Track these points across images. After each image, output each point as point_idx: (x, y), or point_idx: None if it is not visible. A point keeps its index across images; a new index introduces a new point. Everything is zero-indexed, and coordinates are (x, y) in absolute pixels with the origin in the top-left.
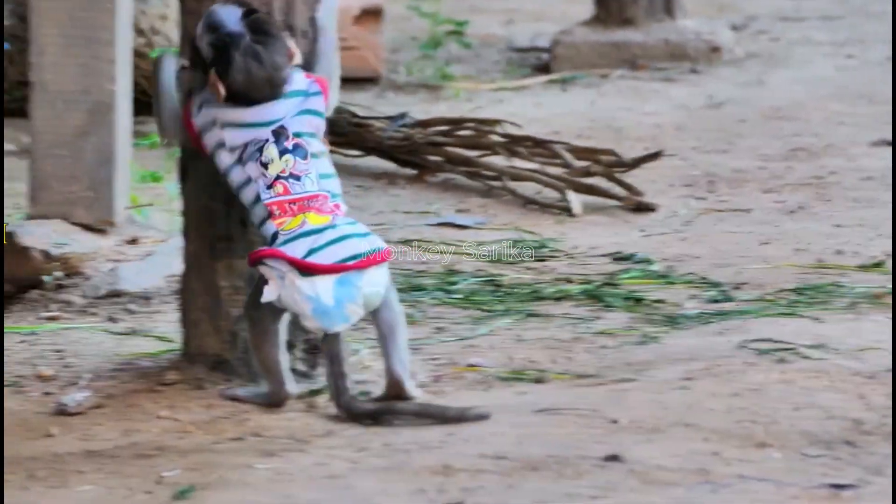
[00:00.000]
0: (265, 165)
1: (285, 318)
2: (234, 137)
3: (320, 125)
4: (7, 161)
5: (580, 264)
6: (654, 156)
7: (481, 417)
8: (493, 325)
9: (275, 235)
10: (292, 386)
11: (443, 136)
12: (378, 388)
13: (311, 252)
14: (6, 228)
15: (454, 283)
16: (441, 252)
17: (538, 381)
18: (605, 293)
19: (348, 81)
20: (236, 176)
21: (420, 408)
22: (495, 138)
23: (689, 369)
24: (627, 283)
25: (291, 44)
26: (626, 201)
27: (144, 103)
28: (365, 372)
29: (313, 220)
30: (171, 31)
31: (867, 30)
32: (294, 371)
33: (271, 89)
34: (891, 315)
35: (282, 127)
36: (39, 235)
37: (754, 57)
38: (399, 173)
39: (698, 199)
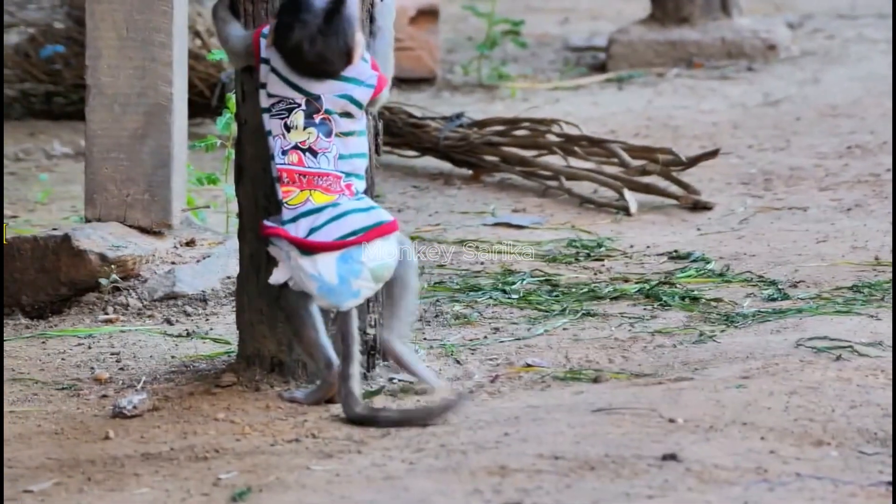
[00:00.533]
0: (287, 129)
1: (314, 299)
2: (274, 86)
3: (356, 111)
4: (63, 164)
5: (637, 263)
6: (711, 154)
7: (460, 401)
8: (549, 325)
9: (280, 204)
10: (337, 363)
11: (499, 136)
12: (427, 393)
13: (312, 231)
14: (64, 231)
15: (511, 283)
16: (498, 252)
17: (595, 380)
18: (661, 292)
19: (404, 82)
20: (265, 122)
21: (402, 416)
22: (551, 138)
23: (746, 368)
24: (684, 281)
25: (358, 48)
26: (683, 200)
27: (200, 105)
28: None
29: (318, 198)
30: None
31: None
32: None
33: (314, 74)
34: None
35: (318, 99)
36: (96, 238)
37: (810, 55)
38: (455, 173)
39: (755, 198)
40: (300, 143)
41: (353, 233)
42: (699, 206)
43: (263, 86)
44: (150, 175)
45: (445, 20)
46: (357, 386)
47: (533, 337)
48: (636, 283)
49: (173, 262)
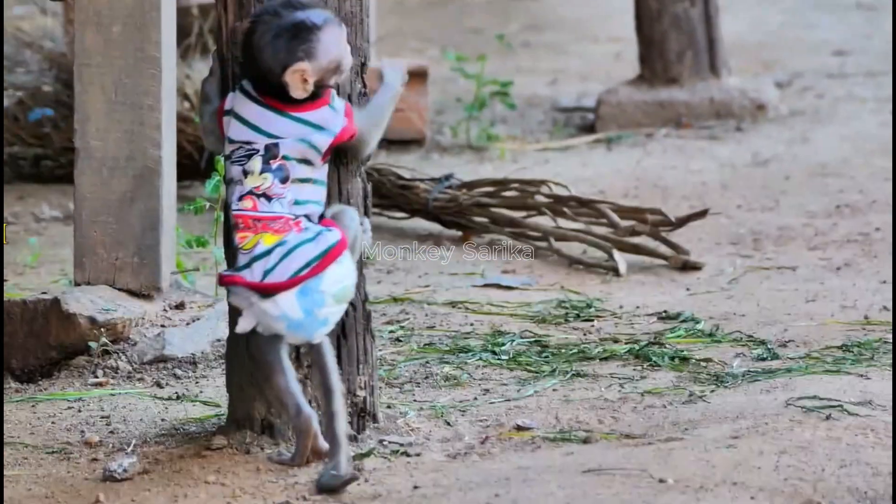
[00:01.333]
0: (245, 174)
1: (283, 345)
2: (235, 131)
3: (314, 158)
4: (53, 227)
5: (626, 324)
6: (700, 214)
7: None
8: (539, 386)
9: (235, 250)
10: (308, 409)
11: (488, 198)
12: (425, 450)
13: (266, 273)
14: (53, 294)
15: (501, 345)
16: (487, 313)
17: (585, 441)
18: (651, 352)
19: (393, 143)
20: (226, 170)
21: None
22: (540, 199)
23: (736, 428)
24: (674, 341)
25: (301, 69)
26: (673, 260)
27: (189, 168)
28: (412, 434)
29: (267, 240)
30: None
31: None
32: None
33: (268, 85)
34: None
35: (275, 145)
36: (85, 302)
37: (799, 114)
38: (444, 235)
39: (744, 257)
40: (255, 188)
41: (307, 265)
42: (688, 267)
43: (227, 135)
44: (140, 238)
45: (434, 81)
46: (342, 427)
47: (523, 398)
48: (626, 343)
49: (163, 325)
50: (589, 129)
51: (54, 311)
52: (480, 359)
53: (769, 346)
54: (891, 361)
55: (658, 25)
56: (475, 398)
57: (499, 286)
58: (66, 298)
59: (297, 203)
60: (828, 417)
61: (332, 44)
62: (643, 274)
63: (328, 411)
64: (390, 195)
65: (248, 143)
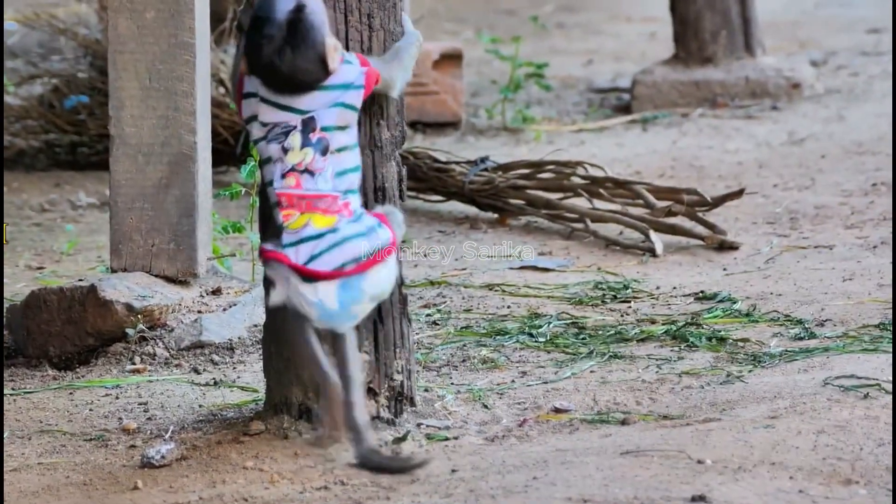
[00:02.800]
0: (285, 151)
1: (309, 325)
2: (267, 114)
3: (352, 118)
4: (89, 214)
5: (663, 305)
6: (737, 194)
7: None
8: (577, 368)
9: (280, 228)
10: (335, 378)
11: (524, 180)
12: (463, 433)
13: (312, 258)
14: (90, 281)
15: (538, 327)
16: (524, 295)
17: (623, 422)
18: (688, 333)
19: (429, 126)
20: (261, 151)
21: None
22: (576, 180)
23: (774, 407)
24: (711, 322)
25: (332, 52)
26: (709, 240)
27: (225, 153)
28: (449, 417)
29: (318, 221)
30: None
31: None
32: (378, 418)
33: (294, 87)
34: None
35: (311, 118)
36: (122, 288)
37: (835, 92)
38: (481, 217)
39: (781, 237)
40: (297, 164)
41: (354, 260)
42: (725, 247)
43: (253, 118)
44: (176, 224)
45: (469, 64)
46: (362, 416)
47: (560, 380)
48: (663, 324)
49: (199, 311)
50: (624, 109)
51: (91, 298)
52: (517, 341)
53: (806, 326)
54: None
55: (692, 5)
56: (512, 381)
57: (535, 268)
58: (102, 285)
59: (337, 175)
60: (865, 396)
61: (318, 6)
62: (680, 254)
63: (347, 401)
64: (426, 178)
65: (282, 122)
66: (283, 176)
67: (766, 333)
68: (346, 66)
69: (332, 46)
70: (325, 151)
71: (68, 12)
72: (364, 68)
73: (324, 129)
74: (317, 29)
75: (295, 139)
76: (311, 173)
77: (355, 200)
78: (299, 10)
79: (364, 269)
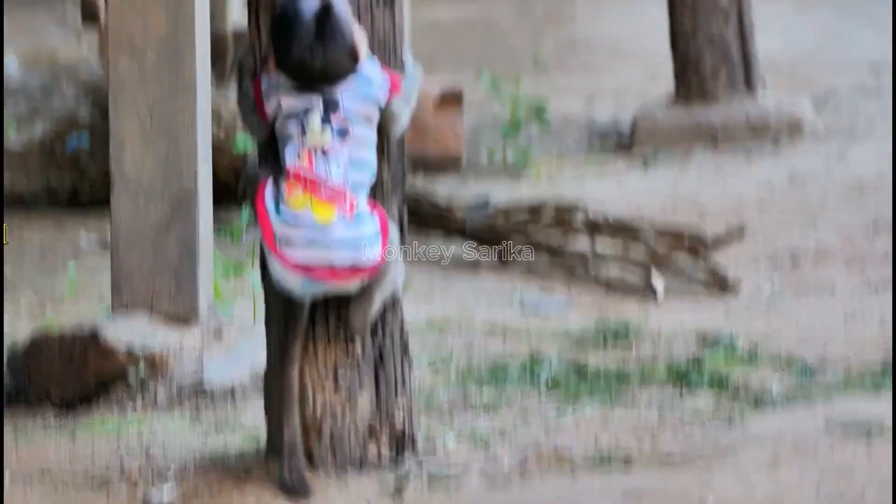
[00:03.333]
0: (304, 131)
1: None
2: (291, 102)
3: (373, 115)
4: (90, 255)
5: (665, 346)
6: (737, 234)
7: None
8: (578, 409)
9: (281, 196)
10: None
11: (525, 220)
12: (464, 476)
13: (289, 244)
14: (91, 324)
15: (539, 369)
16: (525, 337)
17: (625, 463)
18: (690, 374)
19: (430, 165)
20: (282, 130)
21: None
22: (577, 221)
23: (776, 449)
24: (713, 363)
25: (361, 42)
26: (710, 281)
27: (226, 193)
28: (451, 459)
29: (316, 209)
30: None
31: None
32: (379, 459)
33: (326, 79)
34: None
35: (335, 101)
36: (123, 330)
37: (835, 131)
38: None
39: (782, 277)
40: (314, 144)
41: (329, 266)
42: (726, 287)
43: (279, 109)
44: (176, 265)
45: (470, 103)
46: (293, 404)
47: (562, 420)
48: (664, 365)
49: (201, 353)
50: (625, 148)
51: (92, 341)
52: (519, 384)
53: (808, 366)
54: None
55: (693, 43)
56: (514, 423)
57: (536, 310)
58: (103, 328)
59: (352, 165)
60: (868, 436)
61: (341, 3)
62: (681, 295)
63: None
64: (428, 219)
65: (305, 105)
66: (299, 155)
67: (767, 374)
68: (369, 63)
69: (360, 35)
70: (343, 135)
71: (69, 52)
72: (385, 72)
73: (346, 115)
74: (344, 22)
75: (315, 119)
76: (326, 154)
77: (362, 200)
78: (326, 7)
79: (333, 279)
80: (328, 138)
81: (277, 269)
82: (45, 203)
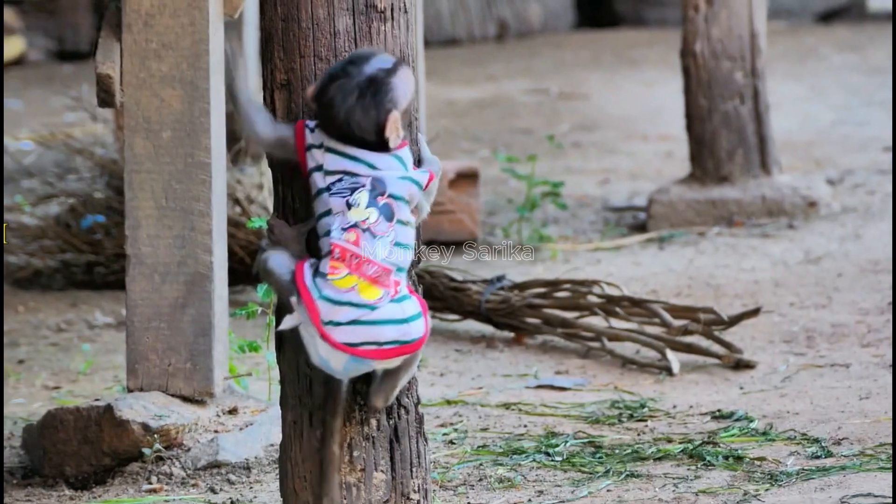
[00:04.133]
0: (349, 206)
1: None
2: (332, 163)
3: (415, 196)
4: (105, 333)
5: (680, 423)
6: (753, 313)
7: None
8: (593, 487)
9: (322, 275)
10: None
11: (540, 298)
12: None
13: (337, 324)
14: (106, 401)
15: (554, 445)
16: (541, 414)
17: None
18: (705, 452)
19: (445, 245)
20: (321, 203)
21: None
22: (593, 299)
23: None
24: (728, 441)
25: (392, 125)
26: (726, 359)
27: (241, 273)
28: None
29: (363, 291)
30: (267, 200)
31: None
32: None
33: (351, 140)
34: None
35: (381, 181)
36: (138, 408)
37: (851, 211)
38: (497, 336)
39: (797, 355)
40: (360, 222)
41: (377, 344)
42: (742, 365)
43: (318, 168)
44: (192, 344)
45: (485, 182)
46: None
47: (577, 499)
48: (679, 443)
49: (216, 431)
50: (640, 228)
51: (107, 417)
52: (534, 460)
53: (823, 444)
54: None
55: (708, 124)
56: (529, 500)
57: (552, 387)
58: (118, 405)
59: (398, 245)
60: None
61: (408, 84)
62: (696, 373)
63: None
64: (443, 297)
65: (351, 173)
66: (344, 229)
67: (782, 452)
68: (408, 150)
69: (395, 121)
70: (390, 218)
71: (84, 132)
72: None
73: (392, 195)
74: (390, 95)
75: (362, 197)
76: (373, 235)
77: (404, 279)
78: (388, 71)
79: (383, 358)
80: (374, 219)
81: (323, 350)
82: (62, 281)
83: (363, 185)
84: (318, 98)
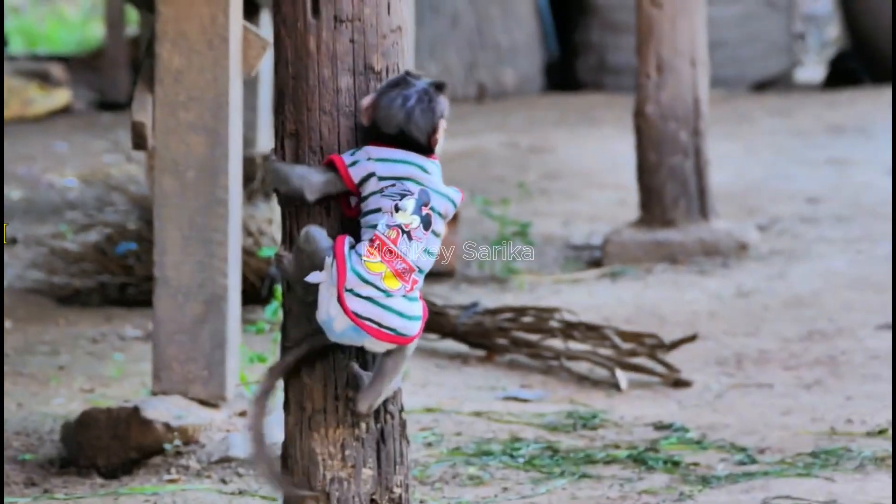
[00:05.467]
0: (397, 209)
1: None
2: (385, 169)
3: (450, 213)
4: (135, 345)
5: (626, 432)
6: (691, 339)
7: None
8: (551, 485)
9: (358, 255)
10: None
11: (509, 322)
12: None
13: (356, 294)
14: (134, 403)
15: (518, 449)
16: (507, 421)
17: None
18: (647, 457)
19: (428, 276)
20: (371, 203)
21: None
22: (554, 324)
23: None
24: (667, 448)
25: (441, 131)
26: (666, 378)
27: (252, 295)
28: None
29: (387, 279)
30: (276, 232)
31: (875, 229)
32: None
33: (406, 143)
34: (891, 474)
35: (426, 193)
36: (161, 409)
37: (777, 253)
38: (471, 354)
39: (728, 376)
40: (404, 224)
41: (379, 325)
42: (680, 383)
43: (370, 176)
44: (209, 355)
45: (464, 222)
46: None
47: (537, 496)
48: (626, 449)
49: (228, 430)
50: (596, 264)
51: (135, 417)
52: (500, 461)
53: (749, 453)
54: (853, 467)
55: (657, 176)
56: (496, 496)
57: (517, 399)
58: (144, 406)
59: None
60: None
61: (447, 103)
62: (641, 389)
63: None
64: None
65: (402, 179)
66: (389, 226)
67: (714, 458)
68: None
69: (443, 127)
70: (427, 227)
71: (120, 171)
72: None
73: (432, 208)
74: (440, 107)
75: (409, 204)
76: (410, 238)
77: (420, 282)
78: (437, 88)
79: (377, 338)
80: (415, 225)
81: (334, 310)
82: (98, 299)
83: (412, 194)
84: (377, 101)
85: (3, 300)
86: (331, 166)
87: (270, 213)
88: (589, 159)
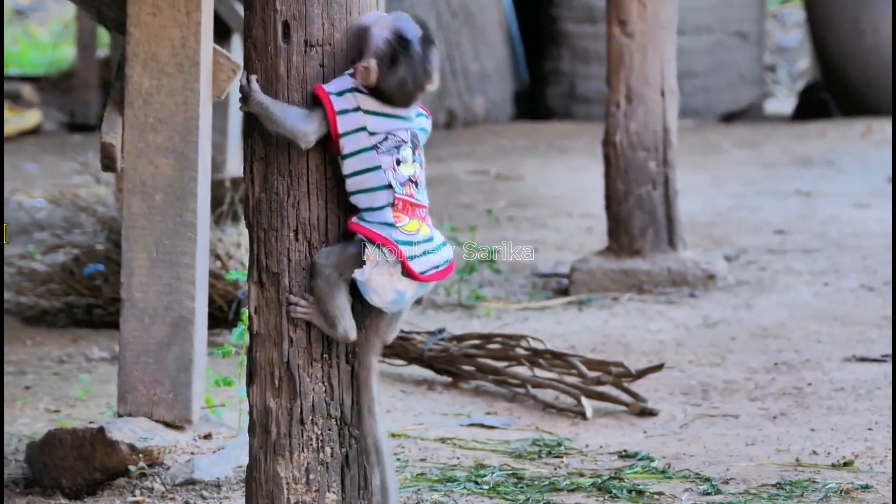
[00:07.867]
0: (399, 162)
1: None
2: (377, 124)
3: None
4: (101, 366)
5: (591, 461)
6: (657, 368)
7: None
8: None
9: (390, 225)
10: (353, 331)
11: (475, 349)
12: None
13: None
14: (99, 424)
15: (483, 476)
16: (472, 448)
17: None
18: (612, 486)
19: None
20: (366, 160)
21: None
22: (520, 351)
23: None
24: (631, 477)
25: (436, 72)
26: (632, 407)
27: (219, 318)
28: None
29: (423, 230)
30: (244, 256)
31: (842, 261)
32: None
33: (410, 100)
34: None
35: (416, 135)
36: (126, 431)
37: (744, 284)
38: (437, 380)
39: (694, 406)
40: (411, 176)
41: (435, 267)
42: (646, 413)
43: (359, 129)
44: (174, 377)
45: None
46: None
47: None
48: (590, 477)
49: (192, 453)
50: (563, 292)
51: (100, 438)
52: (465, 488)
53: (713, 483)
54: (818, 499)
55: (625, 205)
56: None
57: (482, 425)
58: (109, 428)
59: (426, 188)
60: None
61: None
62: (607, 418)
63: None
64: (391, 345)
65: (393, 133)
66: (402, 184)
67: (678, 488)
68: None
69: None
70: (421, 165)
71: (89, 192)
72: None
73: (422, 147)
74: (436, 56)
75: (407, 153)
76: (417, 184)
77: (427, 215)
78: (426, 29)
79: (439, 278)
80: (417, 170)
81: (400, 284)
82: (65, 319)
83: (405, 141)
84: (386, 76)
85: (3, 300)
86: (316, 103)
87: (238, 237)
88: (557, 188)
